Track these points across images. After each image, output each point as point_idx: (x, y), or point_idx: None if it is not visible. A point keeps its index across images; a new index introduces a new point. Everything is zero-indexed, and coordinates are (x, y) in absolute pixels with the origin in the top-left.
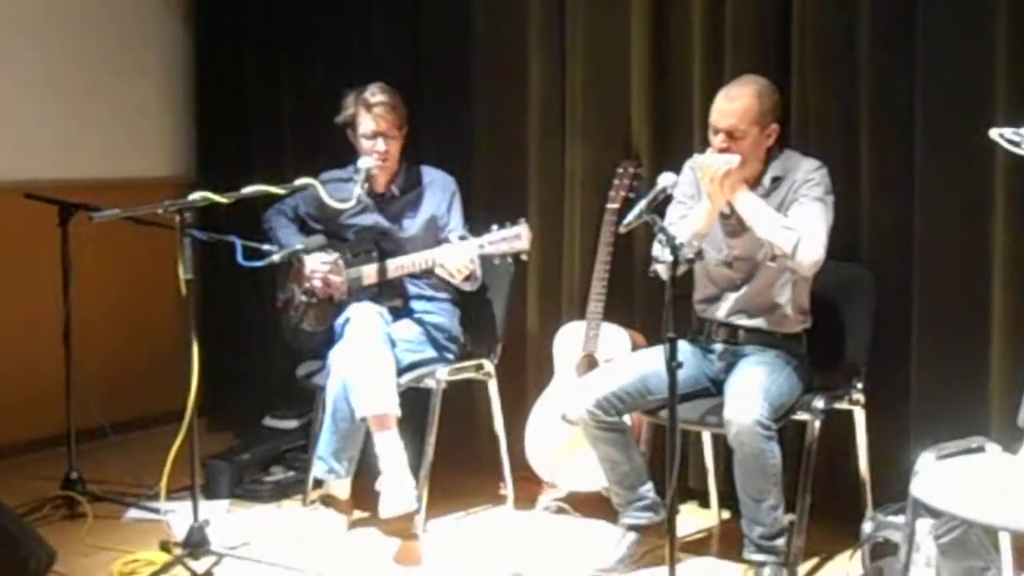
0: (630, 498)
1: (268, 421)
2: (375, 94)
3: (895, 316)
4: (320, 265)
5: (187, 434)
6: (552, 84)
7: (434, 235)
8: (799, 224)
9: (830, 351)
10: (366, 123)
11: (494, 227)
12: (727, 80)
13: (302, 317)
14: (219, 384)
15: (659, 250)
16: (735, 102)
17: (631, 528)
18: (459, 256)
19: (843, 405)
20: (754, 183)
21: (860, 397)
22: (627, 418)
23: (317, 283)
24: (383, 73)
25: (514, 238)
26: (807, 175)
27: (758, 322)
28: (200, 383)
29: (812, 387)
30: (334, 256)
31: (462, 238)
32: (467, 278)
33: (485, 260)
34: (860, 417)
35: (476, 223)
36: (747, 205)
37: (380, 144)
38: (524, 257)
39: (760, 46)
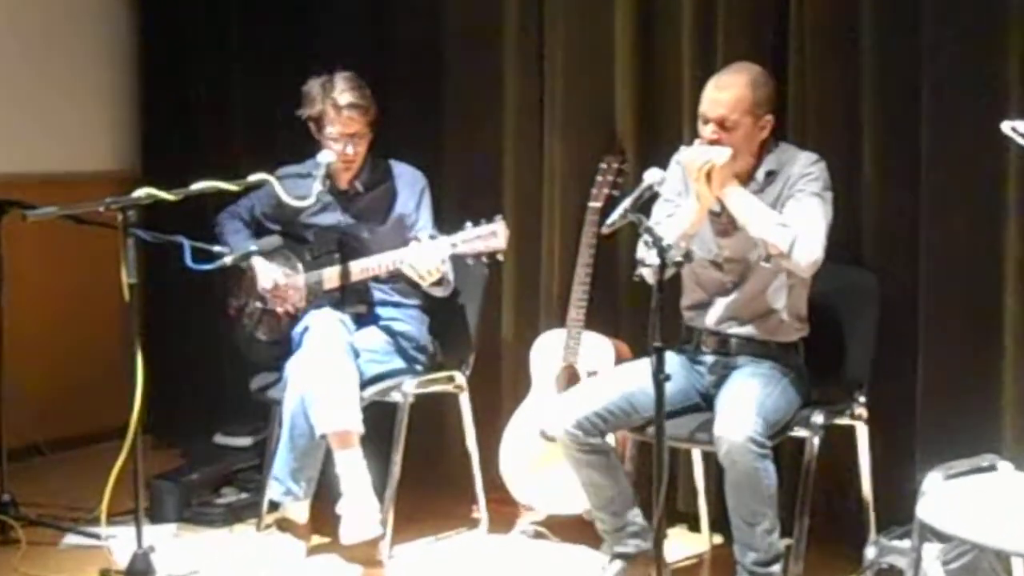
0: (616, 524)
1: (219, 438)
2: (344, 93)
3: (900, 323)
4: (272, 281)
5: (130, 452)
6: (529, 71)
7: (402, 235)
8: (795, 221)
9: (829, 362)
10: (334, 125)
11: (468, 224)
12: (719, 67)
13: (256, 325)
14: (166, 398)
15: (645, 252)
16: (726, 90)
17: (617, 556)
18: (429, 257)
19: (844, 420)
20: (746, 178)
21: (862, 412)
22: (611, 437)
23: (269, 295)
24: (344, 58)
25: (490, 236)
26: (804, 169)
27: (751, 330)
28: (145, 397)
29: (810, 401)
30: (290, 266)
31: (432, 238)
32: (438, 282)
33: (458, 261)
34: (862, 433)
35: (448, 222)
36: (738, 201)
37: (349, 147)
38: (500, 257)
39: (754, 30)
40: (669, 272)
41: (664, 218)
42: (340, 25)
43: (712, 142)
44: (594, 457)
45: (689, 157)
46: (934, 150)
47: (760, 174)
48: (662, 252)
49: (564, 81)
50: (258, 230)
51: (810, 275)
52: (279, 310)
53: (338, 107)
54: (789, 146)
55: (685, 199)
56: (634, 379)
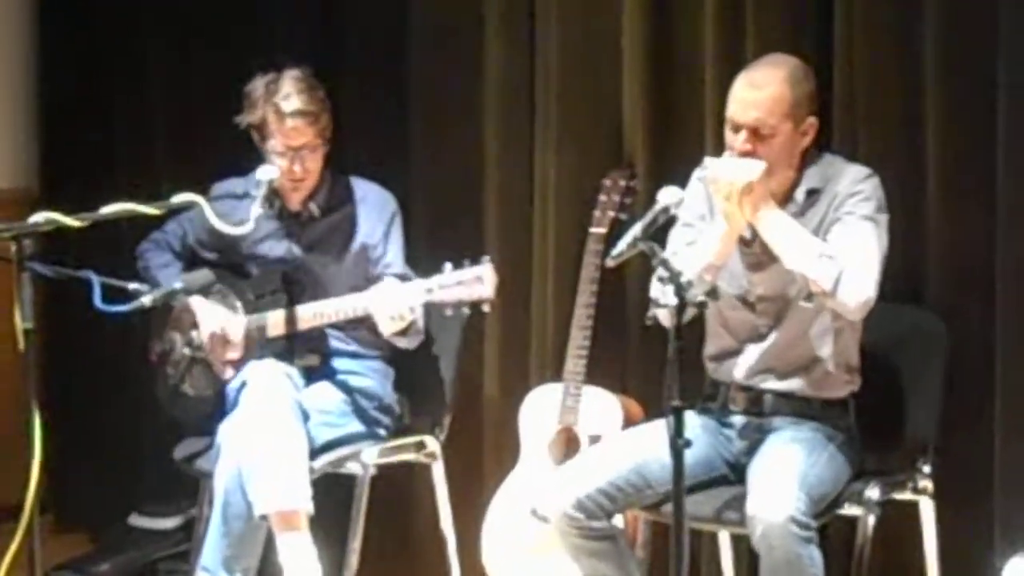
0: None
1: (136, 519)
2: (289, 98)
3: (972, 375)
4: (220, 326)
5: (25, 536)
6: (517, 69)
7: (365, 270)
8: (842, 251)
9: (887, 422)
10: (278, 138)
11: (447, 266)
12: (748, 61)
13: (183, 376)
14: (69, 469)
15: (659, 290)
16: (761, 89)
17: None
18: (395, 301)
19: (905, 495)
20: (784, 198)
21: (927, 484)
22: (618, 518)
23: (208, 338)
24: (291, 55)
25: (474, 282)
26: (853, 186)
27: (790, 384)
28: (44, 468)
29: (863, 471)
30: (227, 306)
31: (403, 278)
32: (404, 331)
33: (433, 309)
34: (928, 510)
35: (416, 257)
36: (774, 227)
37: (297, 164)
38: (486, 308)
39: (792, 16)
40: (690, 314)
41: (683, 247)
42: (285, 13)
43: (744, 153)
44: (599, 544)
45: (715, 173)
46: (1012, 162)
47: (800, 193)
48: (681, 289)
49: (560, 79)
50: (193, 260)
51: (860, 317)
52: (221, 362)
53: (281, 114)
54: (835, 158)
55: (709, 224)
56: (647, 446)
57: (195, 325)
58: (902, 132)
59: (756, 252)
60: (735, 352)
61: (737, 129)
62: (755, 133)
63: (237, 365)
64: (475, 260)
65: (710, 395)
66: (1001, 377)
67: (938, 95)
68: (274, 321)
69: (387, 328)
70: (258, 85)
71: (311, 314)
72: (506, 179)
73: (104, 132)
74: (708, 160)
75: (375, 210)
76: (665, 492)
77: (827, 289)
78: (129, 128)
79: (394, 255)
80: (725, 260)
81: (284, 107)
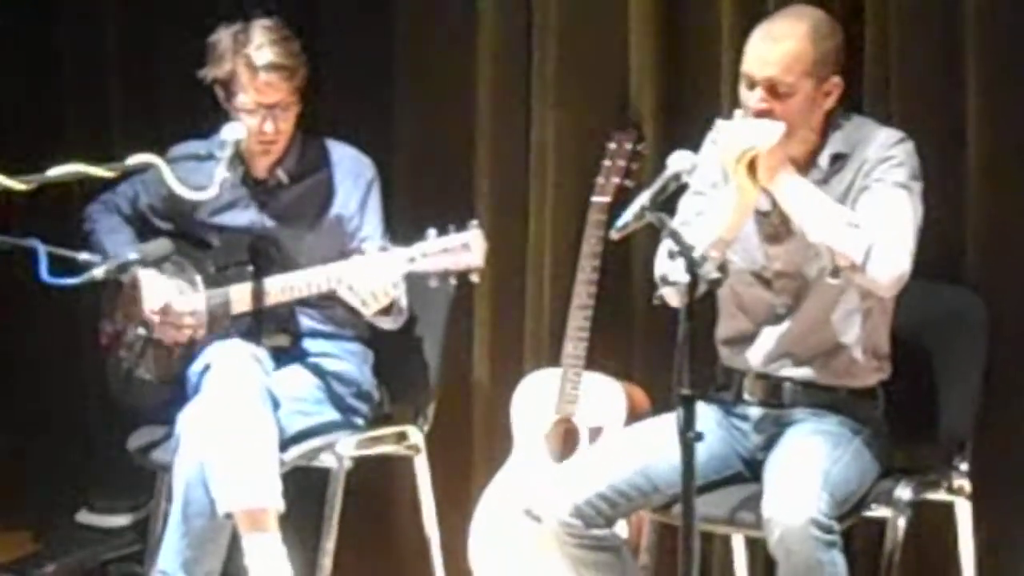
0: None
1: (85, 516)
2: (263, 49)
3: (1015, 364)
4: (163, 302)
5: None
6: (513, 19)
7: (339, 243)
8: (872, 221)
9: (919, 415)
10: (249, 93)
11: (431, 232)
12: (769, 11)
13: (139, 359)
14: (11, 462)
15: (668, 266)
16: (780, 43)
17: None
18: (375, 276)
19: (939, 495)
20: (806, 164)
21: (964, 483)
22: (622, 525)
23: (158, 321)
24: (262, 4)
25: (460, 249)
26: (883, 151)
27: (812, 372)
28: None
29: (893, 468)
30: (185, 279)
31: (383, 249)
32: (386, 310)
33: (416, 281)
34: (964, 512)
35: (401, 228)
36: (794, 195)
37: (269, 123)
38: (475, 278)
39: None
40: (701, 291)
41: (694, 217)
42: None
43: (759, 113)
44: (599, 555)
45: (728, 136)
46: None
47: (824, 158)
48: (693, 265)
49: (559, 30)
50: (143, 228)
51: (893, 294)
52: (170, 341)
53: (253, 67)
54: (865, 120)
55: (722, 192)
56: (653, 443)
57: (146, 316)
58: (940, 93)
59: (774, 223)
60: (751, 336)
61: (752, 86)
62: (772, 91)
63: (197, 346)
64: (462, 226)
65: (723, 384)
66: None
67: (979, 53)
68: (239, 296)
69: (367, 307)
70: (224, 36)
71: (280, 289)
72: (499, 142)
73: (52, 88)
74: (720, 122)
75: (350, 177)
76: (673, 494)
77: (857, 262)
78: (80, 81)
79: (372, 227)
80: (736, 234)
81: (257, 59)
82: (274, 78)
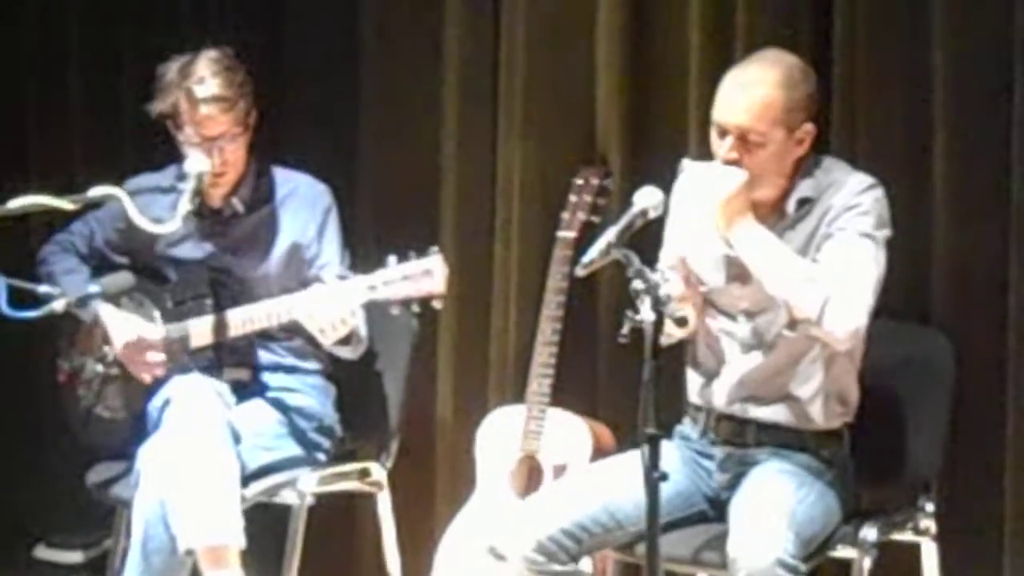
0: None
1: (42, 552)
2: (204, 82)
3: (981, 404)
4: (134, 336)
5: None
6: (479, 51)
7: (298, 272)
8: (832, 272)
9: (886, 454)
10: (191, 126)
11: (391, 259)
12: (737, 51)
13: (97, 397)
14: None
15: (638, 303)
16: (749, 90)
17: None
18: (332, 305)
19: (905, 536)
20: (774, 208)
21: (930, 524)
22: (586, 562)
23: (122, 349)
24: (224, 33)
25: (421, 276)
26: (850, 198)
27: (776, 415)
28: None
29: (858, 509)
30: (143, 314)
31: (341, 278)
32: (345, 340)
33: (378, 310)
34: (930, 553)
35: (363, 258)
36: (752, 246)
37: (215, 155)
38: (437, 304)
39: (787, 5)
40: (671, 334)
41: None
42: None
43: (729, 162)
44: None
45: (690, 180)
46: None
47: (791, 203)
48: (659, 303)
49: (527, 64)
50: (100, 265)
51: (848, 347)
52: (146, 377)
53: (194, 100)
54: (836, 163)
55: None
56: (617, 480)
57: (107, 339)
58: (907, 138)
59: (740, 264)
60: (715, 373)
61: (723, 134)
62: (743, 139)
63: (159, 381)
64: (422, 252)
65: (689, 422)
66: (1012, 406)
67: (947, 99)
68: (198, 330)
69: (325, 336)
70: (171, 68)
71: (239, 320)
72: (465, 175)
73: (15, 120)
74: (685, 163)
75: (307, 206)
76: (637, 532)
77: (811, 316)
78: (43, 116)
79: (331, 254)
80: (697, 259)
81: (197, 92)
82: (214, 110)
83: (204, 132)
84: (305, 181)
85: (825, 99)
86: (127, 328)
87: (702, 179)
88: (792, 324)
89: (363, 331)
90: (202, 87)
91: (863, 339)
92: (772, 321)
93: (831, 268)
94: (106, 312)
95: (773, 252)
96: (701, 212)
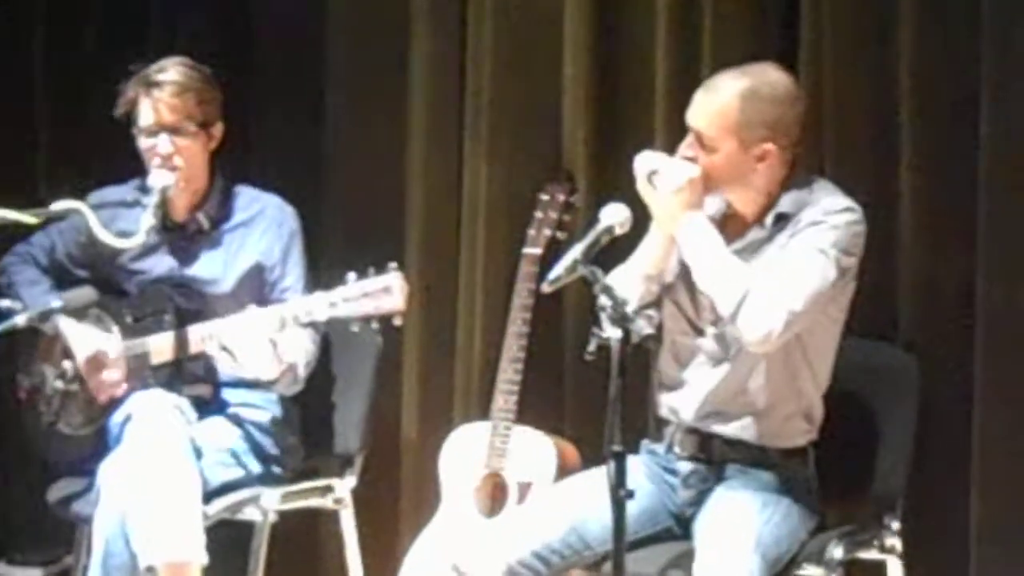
0: None
1: (2, 568)
2: (164, 71)
3: (947, 421)
4: (94, 351)
5: None
6: (445, 66)
7: (258, 293)
8: (764, 275)
9: (851, 472)
10: (145, 113)
11: (350, 276)
12: (704, 67)
13: (58, 413)
14: None
15: (602, 319)
16: (709, 96)
17: None
18: (244, 332)
19: (870, 554)
20: (753, 222)
21: (895, 542)
22: None
23: (84, 363)
24: (192, 50)
25: (380, 293)
26: (819, 215)
27: (741, 431)
28: None
29: (823, 527)
30: (102, 329)
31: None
32: (280, 377)
33: (341, 329)
34: (896, 570)
35: (331, 278)
36: (691, 237)
37: (164, 143)
38: (397, 321)
39: (754, 16)
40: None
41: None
42: (188, 14)
43: (685, 159)
44: None
45: (640, 163)
46: (996, 193)
47: (770, 218)
48: (624, 320)
49: (492, 80)
50: (61, 278)
51: (762, 351)
52: (103, 398)
53: (148, 84)
54: (825, 185)
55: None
56: (584, 500)
57: (68, 353)
58: (873, 154)
59: None
60: (680, 384)
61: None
62: (699, 140)
63: (119, 397)
64: (381, 269)
65: (655, 435)
66: (979, 423)
67: (913, 114)
68: (158, 347)
69: (243, 367)
70: (133, 73)
71: (201, 336)
72: (431, 191)
73: None
74: (641, 154)
75: (273, 226)
76: (604, 551)
77: (727, 313)
78: (7, 130)
79: (294, 279)
80: (660, 269)
81: (155, 76)
82: (167, 92)
83: (156, 118)
84: (273, 203)
85: None
86: (88, 343)
87: (648, 163)
88: (716, 320)
89: (301, 371)
90: (161, 74)
91: (831, 361)
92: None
93: (766, 271)
94: (67, 326)
95: (709, 246)
96: (644, 195)
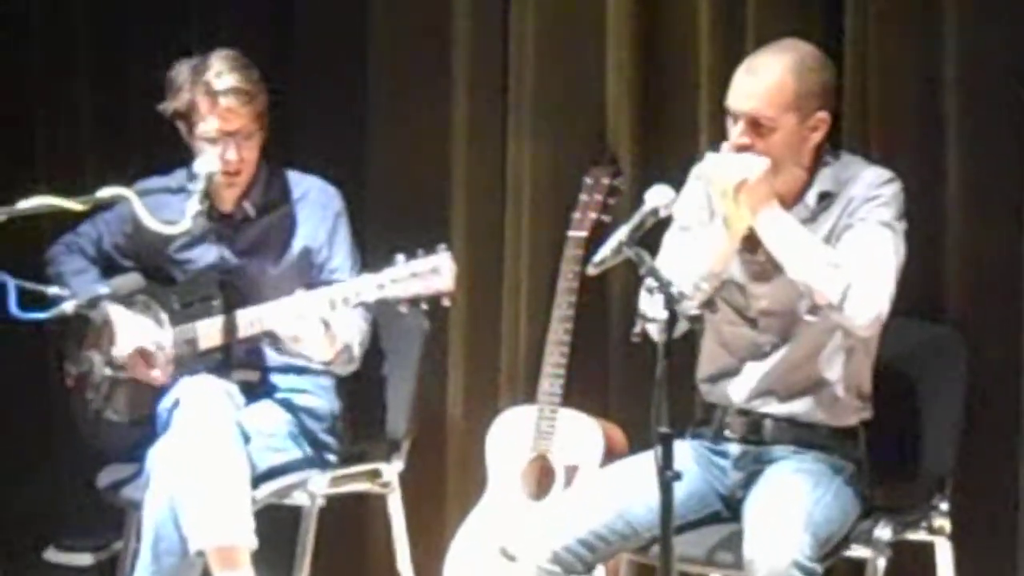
0: None
1: (53, 555)
2: (222, 76)
3: (996, 400)
4: (137, 333)
5: None
6: (488, 49)
7: (306, 277)
8: (853, 260)
9: (900, 452)
10: (209, 120)
11: (399, 258)
12: (747, 47)
13: (106, 400)
14: None
15: (648, 302)
16: (760, 76)
17: None
18: (293, 316)
19: (919, 535)
20: (794, 200)
21: (944, 523)
22: (600, 570)
23: (129, 356)
24: (234, 36)
25: (430, 273)
26: (870, 190)
27: (794, 409)
28: None
29: (873, 507)
30: (151, 316)
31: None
32: (335, 358)
33: (388, 310)
34: (944, 552)
35: (376, 261)
36: (776, 231)
37: (231, 151)
38: (446, 303)
39: (798, 1)
40: (681, 329)
41: (677, 253)
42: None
43: (739, 148)
44: None
45: (713, 170)
46: None
47: (811, 196)
48: (671, 301)
49: (535, 63)
50: (108, 268)
51: (870, 335)
52: (155, 376)
53: (213, 93)
54: (853, 158)
55: (711, 225)
56: (631, 484)
57: (115, 341)
58: (920, 131)
59: (760, 261)
60: (733, 372)
61: (736, 119)
62: (754, 125)
63: (166, 384)
64: (430, 250)
65: (703, 420)
66: None
67: (960, 91)
68: (207, 332)
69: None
70: (183, 69)
71: (249, 322)
72: (474, 174)
73: (23, 119)
74: (708, 155)
75: (318, 208)
76: (652, 536)
77: (833, 302)
78: (52, 116)
79: (341, 259)
80: (725, 267)
81: (217, 85)
82: (234, 103)
83: (223, 126)
84: (317, 185)
85: (837, 98)
86: (136, 334)
87: (723, 167)
88: (814, 309)
89: (356, 351)
90: (221, 80)
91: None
92: (792, 319)
93: (852, 256)
94: (116, 314)
95: (798, 236)
96: (725, 201)
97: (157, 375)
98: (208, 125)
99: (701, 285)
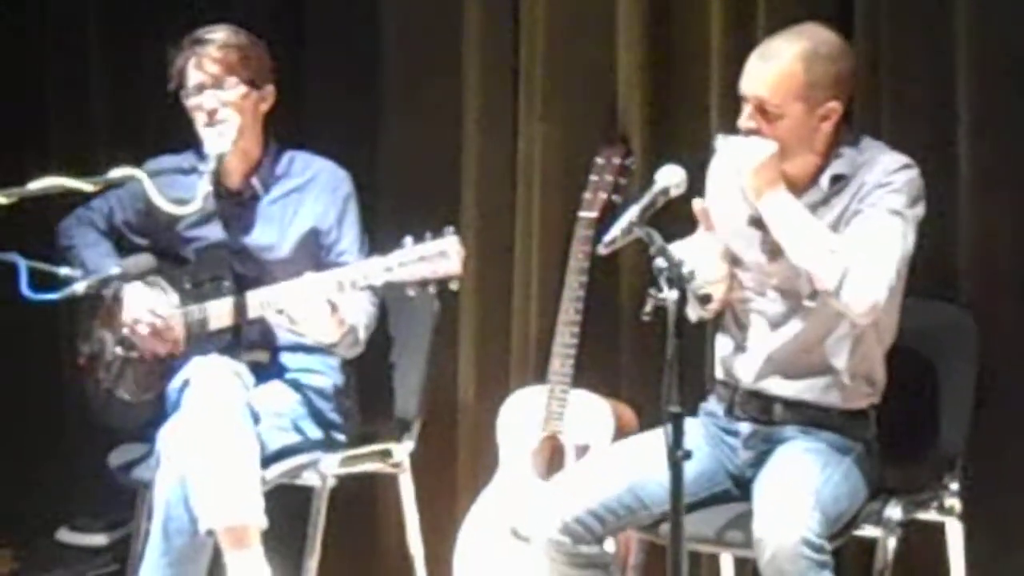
0: None
1: (65, 535)
2: (214, 31)
3: (1008, 381)
4: (145, 309)
5: None
6: (498, 31)
7: (314, 258)
8: (855, 246)
9: (911, 433)
10: (192, 73)
11: (407, 240)
12: (759, 30)
13: (117, 380)
14: None
15: (660, 281)
16: (770, 63)
17: None
18: (302, 297)
19: (930, 515)
20: (808, 183)
21: (954, 503)
22: (610, 542)
23: (142, 332)
24: (247, 17)
25: (438, 257)
26: (883, 176)
27: (803, 392)
28: None
29: (883, 487)
30: (167, 296)
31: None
32: (340, 339)
33: (397, 293)
34: (955, 532)
35: (386, 241)
36: (779, 215)
37: (209, 98)
38: (454, 286)
39: None
40: (694, 312)
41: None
42: None
43: (747, 132)
44: (587, 572)
45: (725, 150)
46: None
47: (825, 179)
48: (681, 281)
49: (547, 44)
50: (118, 244)
51: (867, 322)
52: (150, 353)
53: (199, 42)
54: (873, 143)
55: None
56: (642, 461)
57: (128, 325)
58: (932, 117)
59: (771, 239)
60: (744, 350)
61: (745, 103)
62: (760, 110)
63: (176, 362)
64: (438, 233)
65: (715, 398)
66: None
67: (972, 76)
68: (217, 312)
69: (305, 330)
70: (183, 42)
71: (259, 302)
72: (485, 155)
73: (34, 100)
74: (719, 138)
75: (327, 190)
76: (661, 512)
77: (830, 288)
78: (63, 97)
79: (350, 241)
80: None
81: (204, 35)
82: (217, 51)
83: (206, 69)
84: (327, 167)
85: None
86: (141, 304)
87: (735, 151)
88: (813, 295)
89: (362, 334)
90: (211, 33)
91: (896, 320)
92: (800, 300)
93: (855, 242)
94: (128, 291)
95: (799, 221)
96: (735, 184)
97: (168, 348)
98: (192, 79)
99: (718, 266)
